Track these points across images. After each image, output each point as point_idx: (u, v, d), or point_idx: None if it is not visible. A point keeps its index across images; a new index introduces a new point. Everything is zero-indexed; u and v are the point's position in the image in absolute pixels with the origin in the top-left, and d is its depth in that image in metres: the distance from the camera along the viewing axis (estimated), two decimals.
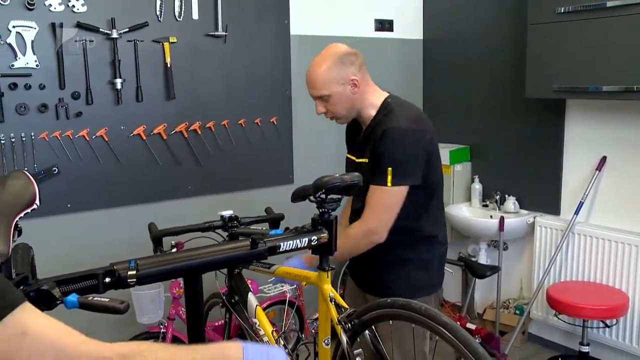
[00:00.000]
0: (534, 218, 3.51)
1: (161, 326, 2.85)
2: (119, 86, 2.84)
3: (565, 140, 3.39)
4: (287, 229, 1.66)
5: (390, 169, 1.84)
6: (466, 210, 3.82)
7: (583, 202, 3.25)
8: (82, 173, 2.81)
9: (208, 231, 1.99)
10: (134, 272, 1.24)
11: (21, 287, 1.11)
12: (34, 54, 2.62)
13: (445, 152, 3.81)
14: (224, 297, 2.05)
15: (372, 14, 3.83)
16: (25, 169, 2.65)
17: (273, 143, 3.44)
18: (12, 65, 2.58)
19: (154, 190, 3.05)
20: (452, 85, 3.98)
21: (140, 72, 2.91)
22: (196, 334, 1.44)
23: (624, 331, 3.13)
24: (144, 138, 2.97)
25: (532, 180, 3.58)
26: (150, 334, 2.89)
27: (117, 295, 1.32)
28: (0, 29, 2.54)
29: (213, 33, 3.12)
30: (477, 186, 3.82)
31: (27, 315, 0.80)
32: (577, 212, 3.27)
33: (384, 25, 3.89)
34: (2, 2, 2.52)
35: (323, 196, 1.56)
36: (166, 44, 2.96)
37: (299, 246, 1.54)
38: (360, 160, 2.03)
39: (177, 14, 2.99)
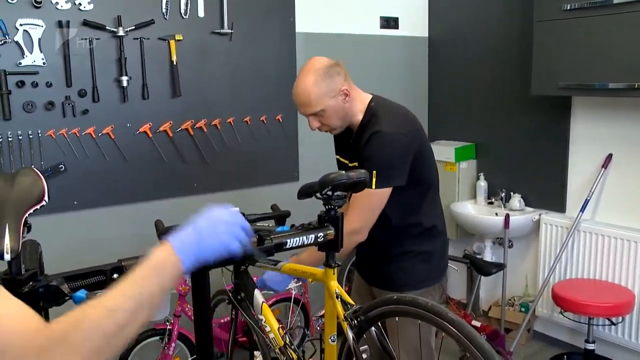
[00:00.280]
0: (540, 215, 3.50)
1: (167, 323, 2.87)
2: (125, 84, 2.85)
3: (571, 138, 3.38)
4: (292, 225, 1.67)
5: (375, 172, 1.85)
6: (471, 207, 3.82)
7: (589, 200, 3.25)
8: (88, 170, 2.83)
9: None
10: None
11: (31, 283, 1.12)
12: (41, 52, 2.63)
13: (450, 149, 3.81)
14: (230, 294, 2.06)
15: (377, 11, 3.83)
16: (32, 166, 2.67)
17: (279, 140, 3.44)
18: (20, 63, 2.60)
19: (160, 187, 3.06)
20: (458, 82, 3.98)
21: (146, 70, 2.92)
22: (203, 330, 1.45)
23: (630, 329, 3.13)
24: (150, 135, 2.98)
25: (537, 177, 3.58)
26: (156, 331, 2.91)
27: None
28: (7, 27, 2.55)
29: (219, 31, 3.12)
30: (482, 183, 3.82)
31: None
32: (582, 210, 3.26)
33: (389, 22, 3.89)
34: (9, 1, 2.54)
35: (329, 193, 1.56)
36: (172, 42, 2.97)
37: (305, 243, 1.55)
38: (353, 164, 2.06)
39: (183, 11, 3.00)
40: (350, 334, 1.58)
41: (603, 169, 3.21)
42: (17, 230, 1.10)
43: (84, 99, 2.77)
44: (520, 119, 3.62)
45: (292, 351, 1.80)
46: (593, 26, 2.90)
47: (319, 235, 1.57)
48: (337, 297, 1.64)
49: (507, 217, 3.48)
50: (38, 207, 1.20)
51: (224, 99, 3.21)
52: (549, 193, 3.52)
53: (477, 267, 3.23)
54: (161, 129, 3.01)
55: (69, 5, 2.67)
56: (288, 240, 1.52)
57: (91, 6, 2.73)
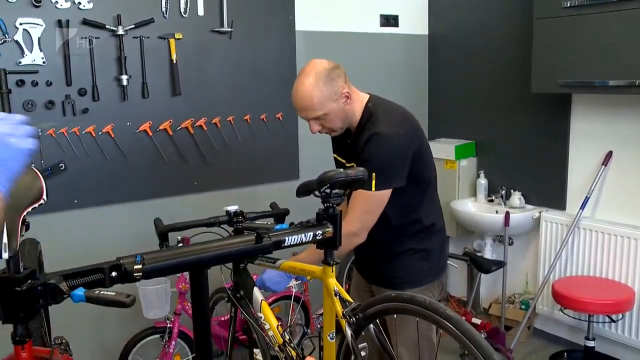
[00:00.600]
0: (540, 213, 3.50)
1: (168, 321, 2.88)
2: (125, 82, 2.86)
3: (571, 135, 3.38)
4: (292, 224, 1.68)
5: (374, 174, 1.85)
6: (472, 205, 3.82)
7: (589, 197, 3.25)
8: (88, 169, 2.83)
9: (213, 226, 2.01)
10: (139, 267, 1.25)
11: (29, 281, 1.12)
12: (41, 50, 2.64)
13: (450, 147, 3.81)
14: (230, 292, 2.07)
15: (377, 9, 3.83)
16: (32, 165, 2.66)
17: (279, 139, 3.45)
18: (19, 62, 2.60)
19: (160, 186, 3.07)
20: (458, 80, 3.98)
21: (146, 69, 2.92)
22: (202, 328, 1.45)
23: (630, 326, 3.13)
24: (150, 134, 2.99)
25: (537, 175, 3.58)
26: (157, 329, 2.92)
27: (124, 290, 1.33)
28: (7, 26, 2.55)
29: (218, 29, 3.12)
30: (482, 181, 3.82)
31: None
32: (582, 207, 3.26)
33: (389, 20, 3.89)
34: (9, 0, 2.54)
35: (328, 191, 1.57)
36: (172, 41, 2.97)
37: (303, 240, 1.55)
38: (350, 165, 2.06)
39: (182, 10, 3.00)
40: (348, 332, 1.58)
41: (603, 166, 3.21)
42: (15, 228, 1.10)
43: (84, 97, 2.78)
44: (520, 116, 3.62)
45: (291, 349, 1.81)
46: (593, 23, 2.90)
47: (317, 233, 1.57)
48: (335, 295, 1.65)
49: (507, 214, 3.48)
50: (36, 205, 1.20)
51: (224, 97, 3.21)
52: (549, 191, 3.52)
53: (477, 265, 3.24)
54: (161, 127, 3.02)
55: (68, 4, 2.68)
56: (286, 238, 1.52)
57: (91, 5, 2.73)
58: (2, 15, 2.54)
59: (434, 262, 2.11)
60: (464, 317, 3.38)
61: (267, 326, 1.87)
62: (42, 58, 2.65)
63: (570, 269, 3.37)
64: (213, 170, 3.22)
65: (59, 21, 2.66)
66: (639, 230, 3.07)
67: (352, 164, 2.03)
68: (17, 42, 2.59)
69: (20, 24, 2.58)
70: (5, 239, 1.07)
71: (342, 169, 1.59)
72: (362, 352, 1.59)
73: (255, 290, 1.95)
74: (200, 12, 3.06)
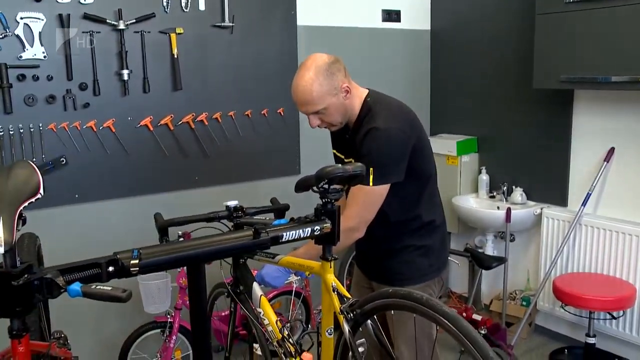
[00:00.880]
0: (541, 209, 3.50)
1: (168, 316, 2.89)
2: (125, 77, 2.86)
3: (573, 131, 3.37)
4: (292, 219, 1.67)
5: (372, 169, 1.85)
6: (473, 201, 3.82)
7: (590, 194, 3.24)
8: (89, 164, 2.84)
9: (213, 221, 2.01)
10: (136, 261, 1.25)
11: (25, 276, 1.12)
12: (42, 45, 2.64)
13: (452, 143, 3.80)
14: (229, 287, 2.07)
15: (379, 4, 3.81)
16: (34, 159, 2.68)
17: (280, 134, 3.44)
18: (20, 57, 2.60)
19: (161, 180, 3.07)
20: (460, 76, 3.97)
21: (147, 63, 2.92)
22: (200, 322, 1.45)
23: (631, 323, 3.12)
24: (151, 129, 2.99)
25: (539, 171, 3.57)
26: (158, 324, 2.92)
27: (125, 284, 1.33)
28: (8, 20, 2.55)
29: (220, 24, 3.12)
30: (484, 177, 3.81)
31: None
32: (584, 204, 3.25)
33: (392, 15, 3.87)
34: None
35: (326, 186, 1.56)
36: (173, 35, 2.97)
37: (301, 236, 1.55)
38: (348, 160, 2.05)
39: (183, 5, 2.99)
40: (346, 327, 1.58)
41: (605, 162, 3.20)
42: (11, 223, 1.10)
43: (85, 92, 2.78)
44: (522, 112, 3.61)
45: (290, 344, 1.80)
46: (595, 18, 2.88)
47: (315, 229, 1.57)
48: (333, 291, 1.64)
49: (508, 210, 3.47)
50: (33, 200, 1.21)
51: (225, 92, 3.21)
52: (551, 187, 3.51)
53: (478, 261, 3.23)
54: (162, 122, 3.02)
55: None
56: (284, 234, 1.52)
57: None
58: (3, 10, 2.54)
59: (434, 258, 2.10)
60: (464, 314, 3.40)
61: (266, 321, 1.86)
62: (43, 52, 2.65)
63: (571, 265, 3.37)
64: (214, 165, 3.22)
65: (60, 15, 2.66)
66: None
67: (351, 159, 2.02)
68: (17, 36, 2.59)
69: (21, 18, 2.58)
70: (0, 234, 1.07)
71: (340, 165, 1.58)
72: (360, 348, 1.59)
73: (255, 285, 1.95)
74: (202, 6, 3.05)
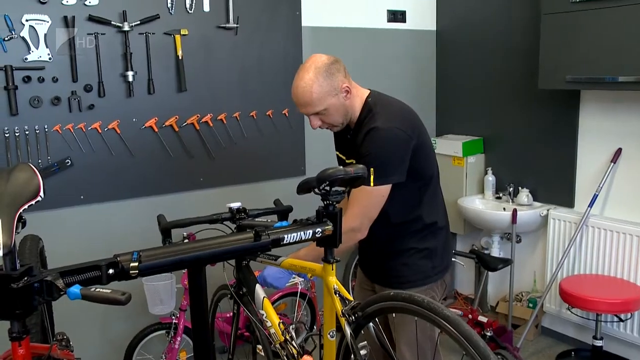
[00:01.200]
0: (548, 210, 3.47)
1: (173, 317, 2.89)
2: (130, 79, 2.86)
3: (580, 132, 3.34)
4: (295, 221, 1.67)
5: (372, 169, 1.84)
6: (479, 202, 3.80)
7: (597, 195, 3.21)
8: (94, 165, 2.85)
9: (216, 223, 2.01)
10: (136, 264, 1.25)
11: (25, 278, 1.13)
12: (47, 47, 2.65)
13: (458, 143, 3.79)
14: (232, 289, 2.07)
15: (384, 4, 3.80)
16: (39, 161, 2.69)
17: (285, 135, 3.44)
18: (26, 59, 2.62)
19: (166, 182, 3.07)
20: (465, 76, 3.95)
21: (151, 65, 2.92)
22: (200, 324, 1.45)
23: (639, 326, 3.09)
24: (156, 130, 2.99)
25: (545, 172, 3.54)
26: (162, 325, 2.93)
27: (128, 286, 1.33)
28: (13, 22, 2.57)
29: (224, 25, 3.12)
30: (490, 178, 3.79)
31: None
32: (591, 205, 3.23)
33: (397, 16, 3.86)
34: None
35: (327, 188, 1.55)
36: (177, 37, 2.97)
37: (303, 238, 1.55)
38: (350, 160, 2.05)
39: (188, 6, 3.00)
40: (347, 330, 1.57)
41: (612, 163, 3.18)
42: (10, 226, 1.10)
43: (89, 94, 2.79)
44: (528, 113, 3.59)
45: (292, 346, 1.80)
46: (602, 18, 2.86)
47: (316, 231, 1.56)
48: (335, 293, 1.64)
49: (514, 211, 3.45)
50: (33, 202, 1.21)
51: (230, 93, 3.21)
52: (557, 188, 3.49)
53: (484, 263, 3.22)
54: (167, 123, 3.02)
55: (74, 1, 2.68)
56: (285, 236, 1.52)
57: (96, 1, 2.73)
58: (8, 12, 2.55)
59: (437, 261, 2.08)
60: (470, 315, 3.39)
61: (268, 324, 1.86)
62: (48, 54, 2.66)
63: (578, 267, 3.34)
64: (219, 166, 3.22)
65: (65, 17, 2.67)
66: None
67: (352, 160, 2.02)
68: (23, 38, 2.60)
69: (27, 20, 2.59)
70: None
71: (341, 167, 1.58)
72: (362, 351, 1.59)
73: (258, 287, 1.95)
74: (206, 7, 3.06)
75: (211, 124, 3.15)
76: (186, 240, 2.25)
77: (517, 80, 3.62)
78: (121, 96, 2.88)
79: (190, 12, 3.01)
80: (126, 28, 2.81)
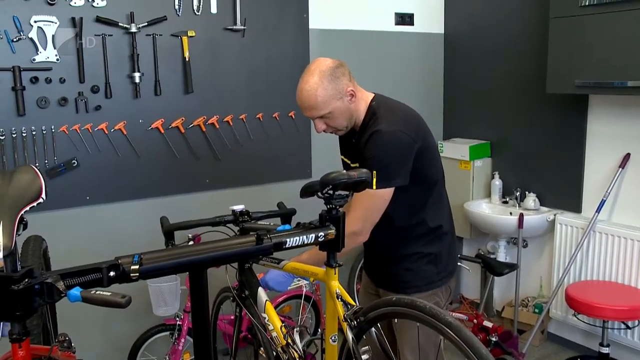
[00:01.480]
0: (555, 215, 3.45)
1: (177, 318, 2.89)
2: (137, 80, 2.87)
3: (588, 137, 3.32)
4: (298, 224, 1.66)
5: (375, 172, 1.82)
6: (486, 206, 3.78)
7: (605, 200, 3.19)
8: (101, 166, 2.85)
9: (219, 225, 2.00)
10: (136, 267, 1.25)
11: (26, 280, 1.13)
12: (55, 48, 2.66)
13: (465, 147, 3.77)
14: (235, 292, 2.06)
15: (392, 7, 3.79)
16: (46, 161, 2.70)
17: (291, 137, 3.44)
18: (34, 60, 2.63)
19: (172, 183, 3.08)
20: (473, 80, 3.93)
21: (158, 66, 2.93)
22: (201, 328, 1.45)
23: None
24: (162, 131, 3.00)
25: (553, 177, 3.52)
26: (167, 326, 2.93)
27: (131, 287, 1.33)
28: (22, 23, 2.58)
29: (231, 27, 3.13)
30: (497, 182, 3.77)
31: None
32: (598, 210, 3.20)
33: (405, 19, 3.85)
34: None
35: (330, 192, 1.55)
36: (184, 38, 2.98)
37: (305, 242, 1.54)
38: (354, 165, 2.04)
39: (195, 8, 3.00)
40: (349, 335, 1.57)
41: (620, 168, 3.15)
42: (12, 227, 1.11)
43: (96, 95, 2.80)
44: (536, 117, 3.57)
45: (294, 350, 1.79)
46: (611, 22, 2.84)
47: (319, 235, 1.55)
48: (337, 298, 1.63)
49: (521, 216, 3.43)
50: (35, 204, 1.21)
51: (236, 95, 3.21)
52: (565, 193, 3.46)
53: (490, 267, 3.20)
54: (173, 125, 3.03)
55: (82, 2, 2.70)
56: (287, 240, 1.51)
57: (104, 3, 2.75)
58: (17, 13, 2.57)
59: (441, 266, 2.06)
60: (475, 320, 3.37)
61: (270, 327, 1.86)
62: (56, 55, 2.67)
63: (585, 273, 3.32)
64: (225, 168, 3.22)
65: (73, 19, 2.69)
66: None
67: (356, 164, 2.01)
68: (31, 39, 2.61)
69: (35, 21, 2.61)
70: (0, 238, 1.07)
71: (345, 171, 1.57)
72: (364, 356, 1.58)
73: (260, 290, 1.94)
74: (214, 9, 3.06)
75: (217, 126, 3.16)
76: (191, 242, 2.25)
77: (524, 84, 3.60)
78: (128, 97, 2.89)
79: (197, 14, 3.01)
80: (133, 29, 2.82)
